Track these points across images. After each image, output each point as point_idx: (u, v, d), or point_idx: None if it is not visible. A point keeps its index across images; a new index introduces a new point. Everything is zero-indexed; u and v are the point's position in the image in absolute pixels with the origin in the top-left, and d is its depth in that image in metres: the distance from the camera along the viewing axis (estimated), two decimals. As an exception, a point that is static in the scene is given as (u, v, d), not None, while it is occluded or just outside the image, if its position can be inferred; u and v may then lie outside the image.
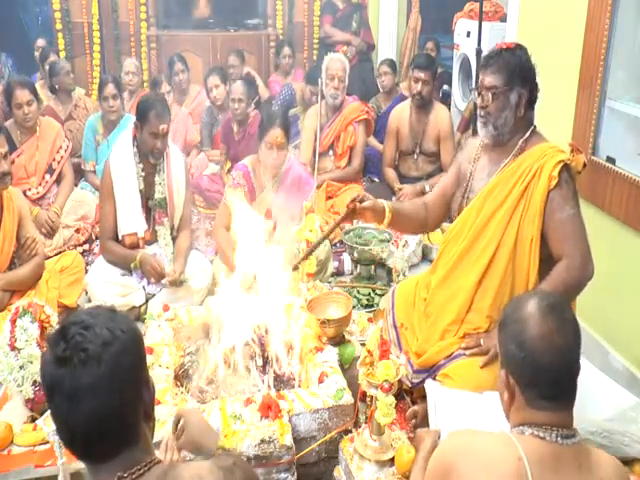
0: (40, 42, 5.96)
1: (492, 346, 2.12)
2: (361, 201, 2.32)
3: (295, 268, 2.53)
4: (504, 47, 2.21)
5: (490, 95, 2.19)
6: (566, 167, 2.14)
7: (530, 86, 2.18)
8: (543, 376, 1.31)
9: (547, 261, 2.16)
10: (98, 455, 1.18)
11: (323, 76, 4.41)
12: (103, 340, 1.14)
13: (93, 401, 1.12)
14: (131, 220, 3.29)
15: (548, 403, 1.32)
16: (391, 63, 5.43)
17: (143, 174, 3.30)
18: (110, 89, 4.33)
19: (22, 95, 3.79)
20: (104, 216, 3.32)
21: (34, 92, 3.90)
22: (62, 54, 6.12)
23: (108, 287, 3.18)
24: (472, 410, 1.93)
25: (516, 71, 2.15)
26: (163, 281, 3.20)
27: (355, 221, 3.42)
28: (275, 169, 3.41)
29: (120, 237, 3.29)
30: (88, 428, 1.14)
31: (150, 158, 3.25)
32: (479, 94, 2.24)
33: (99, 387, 1.13)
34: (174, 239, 3.42)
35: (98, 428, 1.14)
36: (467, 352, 2.20)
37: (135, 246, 3.30)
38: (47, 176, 4.02)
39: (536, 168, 2.15)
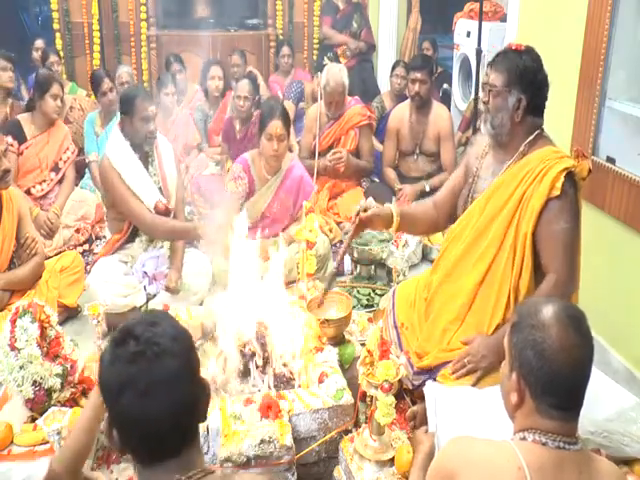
0: (38, 43, 5.84)
1: (478, 363, 2.12)
2: (365, 210, 2.34)
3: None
4: (513, 48, 2.19)
5: (489, 92, 2.19)
6: (570, 175, 2.09)
7: (532, 92, 2.13)
8: (558, 387, 1.30)
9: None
10: (162, 453, 1.16)
11: (322, 81, 4.29)
12: (172, 335, 1.17)
13: (169, 395, 1.12)
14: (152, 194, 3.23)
15: (558, 413, 1.31)
16: (406, 65, 5.21)
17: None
18: (107, 84, 4.55)
19: (58, 88, 3.98)
20: (131, 202, 3.15)
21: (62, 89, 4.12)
22: (61, 54, 6.08)
23: (110, 287, 3.16)
24: (472, 406, 1.93)
25: (517, 74, 2.13)
26: (161, 286, 3.17)
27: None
28: (276, 161, 3.44)
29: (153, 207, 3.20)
30: (161, 423, 1.13)
31: (144, 146, 3.20)
32: (483, 88, 2.24)
33: (174, 380, 1.13)
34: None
35: (170, 423, 1.13)
36: (454, 376, 2.15)
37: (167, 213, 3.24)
38: (52, 174, 4.05)
39: (538, 172, 2.11)
